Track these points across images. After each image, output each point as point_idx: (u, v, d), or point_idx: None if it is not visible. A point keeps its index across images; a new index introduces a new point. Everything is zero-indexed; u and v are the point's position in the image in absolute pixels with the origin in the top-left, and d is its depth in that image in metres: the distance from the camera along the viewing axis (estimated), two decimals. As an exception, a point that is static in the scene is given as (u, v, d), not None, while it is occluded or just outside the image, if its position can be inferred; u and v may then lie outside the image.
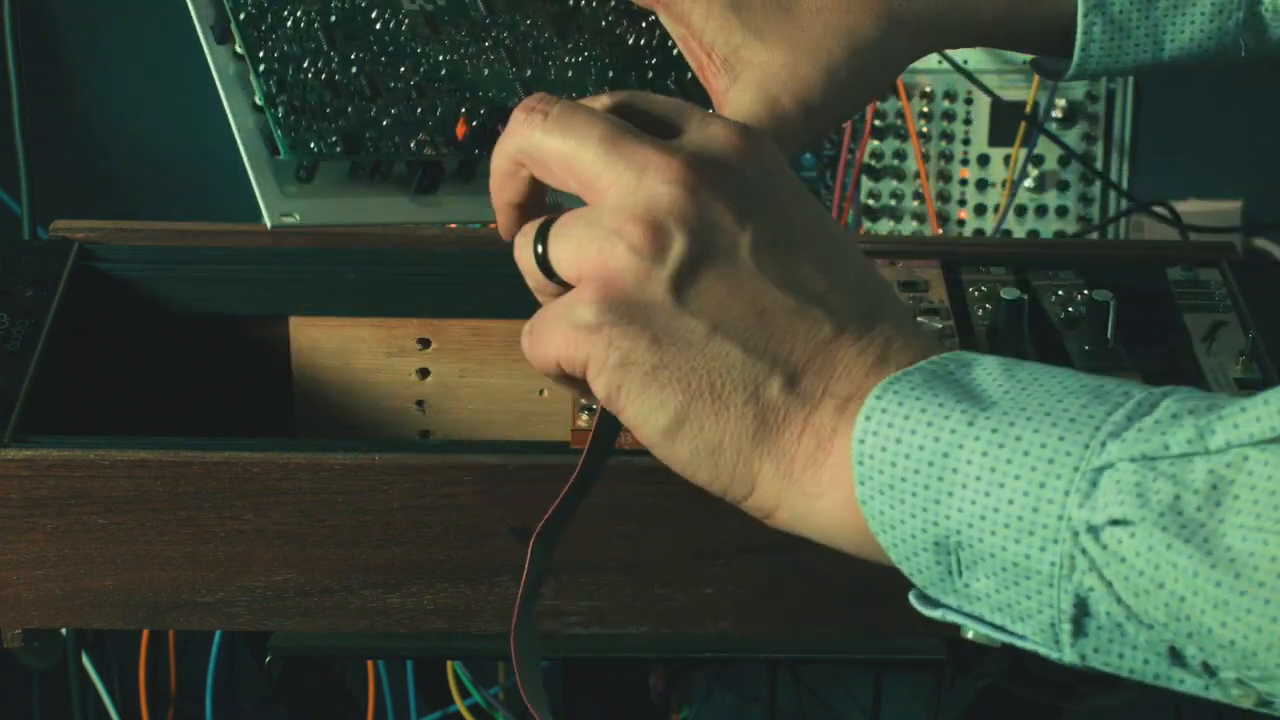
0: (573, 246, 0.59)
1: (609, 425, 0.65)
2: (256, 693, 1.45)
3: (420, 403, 0.97)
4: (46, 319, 0.85)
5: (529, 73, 0.76)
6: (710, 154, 0.59)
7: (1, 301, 0.85)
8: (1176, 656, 0.53)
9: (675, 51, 0.78)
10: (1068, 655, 0.55)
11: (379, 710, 1.25)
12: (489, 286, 0.92)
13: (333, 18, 0.74)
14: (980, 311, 0.87)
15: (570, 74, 0.76)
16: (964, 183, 1.35)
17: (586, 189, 0.60)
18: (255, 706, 1.48)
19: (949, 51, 1.33)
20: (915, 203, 1.35)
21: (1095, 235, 1.36)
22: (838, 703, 1.52)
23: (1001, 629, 0.56)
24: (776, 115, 0.71)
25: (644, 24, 0.79)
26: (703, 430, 0.58)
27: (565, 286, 0.60)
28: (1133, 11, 0.76)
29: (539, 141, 0.60)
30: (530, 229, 0.61)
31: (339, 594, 0.79)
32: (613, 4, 0.78)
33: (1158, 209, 1.35)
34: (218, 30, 0.74)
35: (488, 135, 0.74)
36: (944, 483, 0.55)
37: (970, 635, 0.57)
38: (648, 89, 0.77)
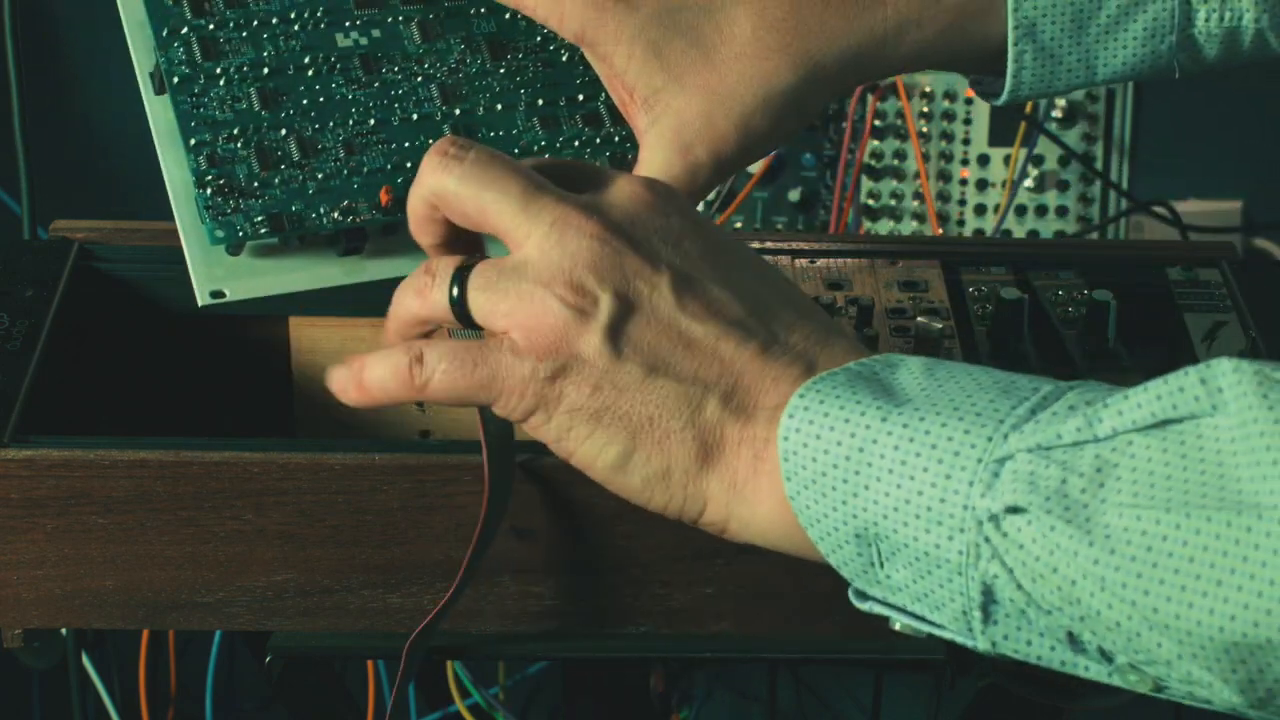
0: (501, 300, 0.63)
1: (500, 438, 0.71)
2: (256, 693, 1.45)
3: (420, 403, 0.97)
4: (46, 319, 0.85)
5: (458, 111, 0.78)
6: (620, 207, 0.63)
7: (1, 301, 0.85)
8: (1075, 642, 0.56)
9: None
10: (980, 643, 0.57)
11: (379, 710, 1.25)
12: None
13: (265, 70, 0.77)
14: (980, 311, 0.87)
15: (500, 107, 0.78)
16: (964, 183, 1.35)
17: (504, 237, 0.64)
18: (255, 706, 1.48)
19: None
20: (915, 203, 1.35)
21: (1095, 235, 1.36)
22: (838, 703, 1.52)
23: (922, 619, 0.59)
24: (689, 163, 0.74)
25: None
26: (650, 460, 0.62)
27: (472, 327, 0.64)
28: (1064, 39, 0.77)
29: (454, 189, 0.64)
30: (443, 270, 0.64)
31: (339, 594, 0.79)
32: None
33: (1158, 209, 1.35)
34: (155, 81, 0.76)
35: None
36: (860, 476, 0.57)
37: (898, 627, 0.60)
38: (580, 110, 0.79)
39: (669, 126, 0.74)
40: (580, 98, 0.79)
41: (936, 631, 0.59)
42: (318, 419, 0.97)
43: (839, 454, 0.58)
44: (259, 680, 0.99)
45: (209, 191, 0.75)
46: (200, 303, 0.75)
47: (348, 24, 0.78)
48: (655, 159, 0.74)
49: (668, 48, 0.74)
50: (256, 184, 0.75)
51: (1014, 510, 0.54)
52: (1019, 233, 1.35)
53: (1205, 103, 1.36)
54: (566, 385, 0.62)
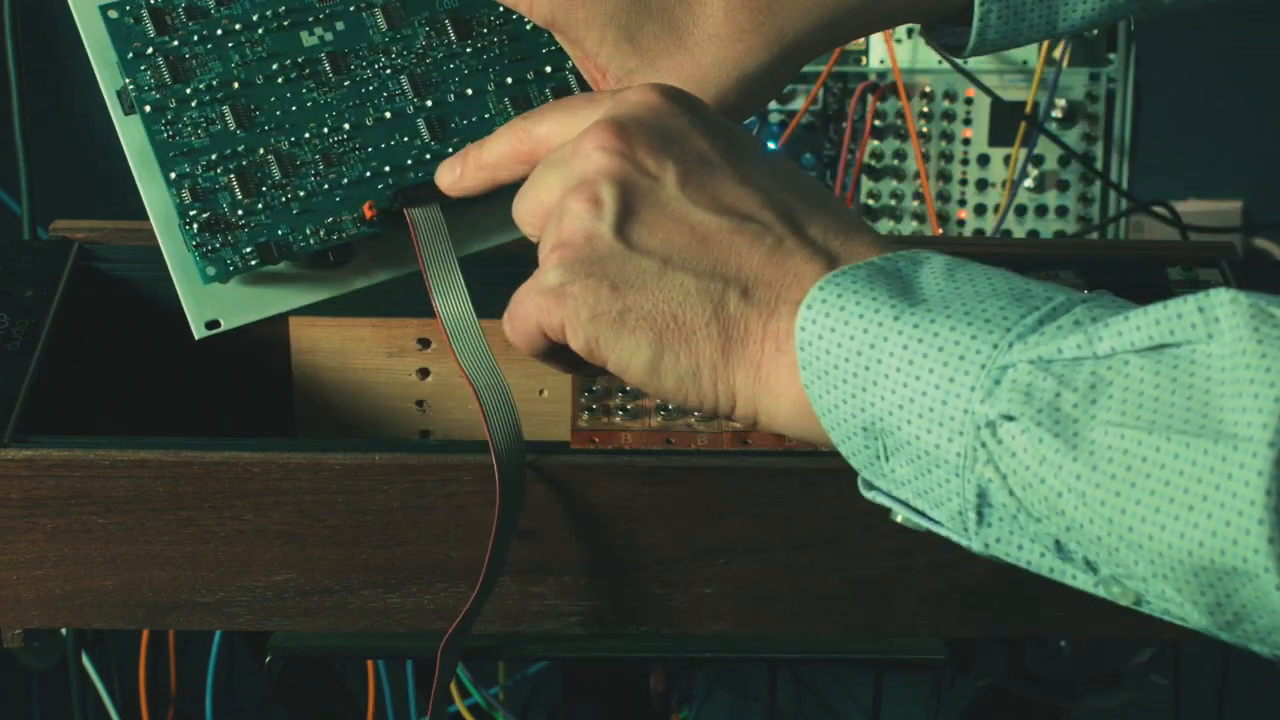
0: (531, 212, 0.67)
1: (508, 439, 0.73)
2: (256, 693, 1.45)
3: (420, 403, 0.97)
4: (46, 319, 0.85)
5: (430, 103, 0.78)
6: (627, 113, 0.65)
7: (1, 301, 0.85)
8: (1062, 550, 0.57)
9: None
10: (975, 543, 0.58)
11: (379, 710, 1.25)
12: (489, 287, 0.92)
13: (235, 85, 0.76)
14: (980, 311, 0.87)
15: (470, 91, 0.78)
16: (964, 183, 1.35)
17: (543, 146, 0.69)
18: (255, 706, 1.48)
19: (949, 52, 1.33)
20: (915, 203, 1.35)
21: (1095, 235, 1.36)
22: (838, 703, 1.52)
23: (922, 514, 0.60)
24: None
25: None
26: (679, 359, 0.63)
27: None
28: None
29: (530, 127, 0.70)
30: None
31: (339, 594, 0.79)
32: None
33: (1158, 209, 1.35)
34: (124, 101, 0.76)
35: (394, 215, 0.76)
36: (870, 372, 0.59)
37: (899, 519, 0.61)
38: (550, 83, 0.79)
39: None
40: (548, 69, 0.79)
41: (934, 528, 0.60)
42: (318, 419, 0.97)
43: (851, 349, 0.59)
44: (259, 680, 0.99)
45: (195, 228, 0.75)
46: (197, 335, 0.75)
47: (311, 19, 0.77)
48: None
49: (640, 32, 0.74)
50: (241, 212, 0.75)
51: (1008, 418, 0.56)
52: (1019, 233, 1.35)
53: (1205, 103, 1.36)
54: (588, 287, 0.63)
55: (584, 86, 0.79)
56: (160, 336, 0.93)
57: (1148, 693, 0.93)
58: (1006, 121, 1.34)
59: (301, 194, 0.76)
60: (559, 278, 0.64)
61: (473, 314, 0.75)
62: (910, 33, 1.34)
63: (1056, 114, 1.33)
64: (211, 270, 0.75)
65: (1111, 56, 1.33)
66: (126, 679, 1.28)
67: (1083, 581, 0.57)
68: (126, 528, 0.77)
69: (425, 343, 0.95)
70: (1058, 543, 0.57)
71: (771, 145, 1.35)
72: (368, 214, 0.76)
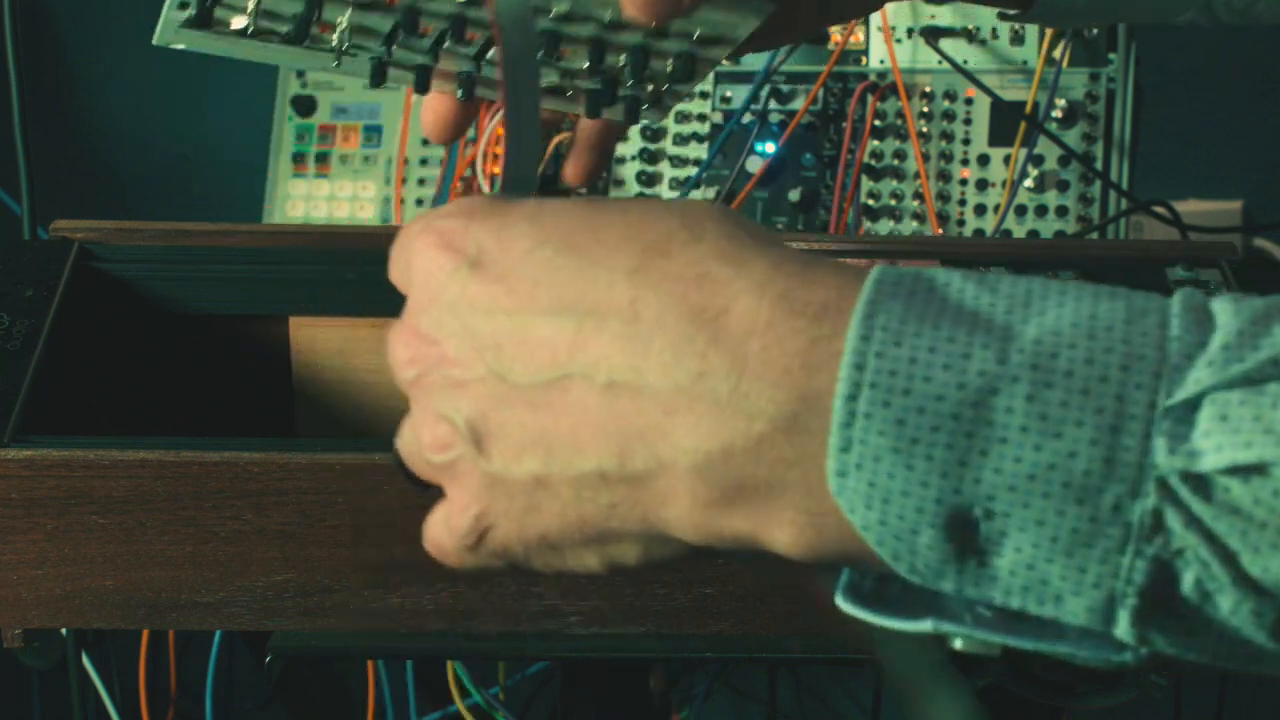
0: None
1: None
2: (256, 693, 1.45)
3: (420, 403, 0.97)
4: (46, 319, 0.85)
5: None
6: (408, 309, 0.56)
7: (1, 301, 0.85)
8: None
9: None
10: (1123, 633, 0.46)
11: (379, 710, 1.25)
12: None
13: None
14: (980, 311, 0.87)
15: None
16: (964, 183, 1.35)
17: None
18: (255, 706, 1.48)
19: (949, 51, 1.33)
20: (915, 203, 1.35)
21: (1095, 235, 1.36)
22: (838, 703, 1.52)
23: (1009, 622, 0.48)
24: None
25: None
26: (625, 549, 0.53)
27: None
28: None
29: None
30: None
31: (339, 594, 0.79)
32: None
33: (1158, 209, 1.35)
34: None
35: None
36: (974, 439, 0.45)
37: (959, 645, 0.50)
38: None
39: None
40: None
41: (1024, 643, 0.48)
42: (318, 419, 0.97)
43: (940, 412, 0.45)
44: (259, 680, 0.99)
45: None
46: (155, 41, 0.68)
47: None
48: None
49: None
50: None
51: (1237, 470, 0.44)
52: (1019, 233, 1.35)
53: (1205, 103, 1.36)
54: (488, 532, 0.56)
55: None
56: (160, 336, 0.93)
57: (1148, 693, 0.93)
58: (1006, 121, 1.34)
59: None
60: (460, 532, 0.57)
61: None
62: (910, 33, 1.34)
63: (1056, 114, 1.34)
64: None
65: (1111, 56, 1.33)
66: (126, 679, 1.28)
67: None
68: (126, 528, 0.77)
69: (425, 343, 0.95)
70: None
71: (772, 146, 1.35)
72: None
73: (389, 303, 0.96)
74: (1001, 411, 0.45)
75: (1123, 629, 0.46)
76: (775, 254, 0.50)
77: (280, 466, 0.76)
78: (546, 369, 0.51)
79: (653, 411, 0.49)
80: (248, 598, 0.79)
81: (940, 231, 1.35)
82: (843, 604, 0.51)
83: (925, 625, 0.49)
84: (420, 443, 0.56)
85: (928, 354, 0.46)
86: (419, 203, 1.39)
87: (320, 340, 0.95)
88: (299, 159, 1.41)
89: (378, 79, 0.72)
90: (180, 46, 0.69)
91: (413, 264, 0.54)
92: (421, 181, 1.40)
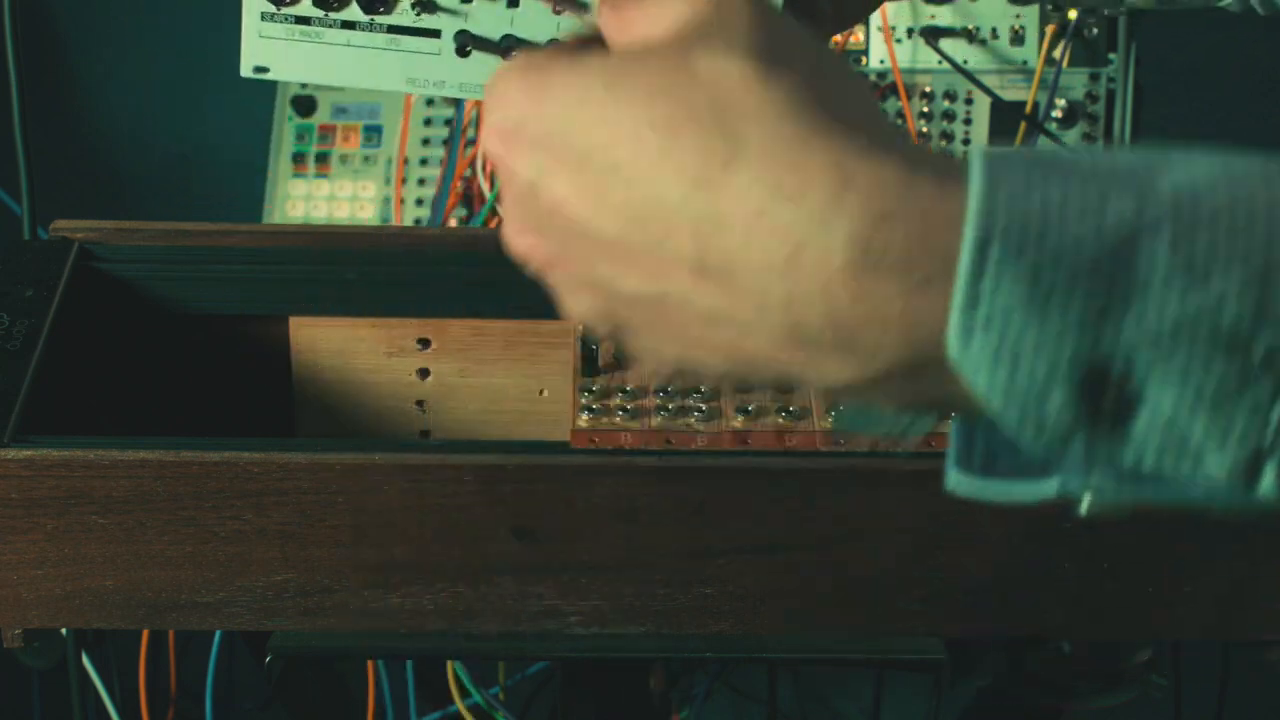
0: None
1: None
2: (256, 693, 1.45)
3: (420, 403, 0.97)
4: (46, 319, 0.85)
5: None
6: (494, 124, 0.51)
7: (1, 301, 0.85)
8: None
9: None
10: (1267, 489, 0.43)
11: (379, 710, 1.25)
12: (489, 286, 0.92)
13: None
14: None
15: None
16: (964, 183, 1.36)
17: None
18: (255, 706, 1.48)
19: (949, 51, 1.33)
20: (915, 203, 1.35)
21: (1095, 235, 1.36)
22: (838, 703, 1.52)
23: (1146, 477, 0.44)
24: None
25: None
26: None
27: None
28: None
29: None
30: None
31: (339, 594, 0.79)
32: None
33: (1158, 209, 1.35)
34: None
35: None
36: (1114, 289, 0.42)
37: (1083, 510, 0.45)
38: None
39: None
40: None
41: (1156, 497, 0.45)
42: (318, 419, 0.97)
43: (1080, 258, 0.42)
44: (259, 680, 0.99)
45: None
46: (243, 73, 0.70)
47: None
48: None
49: None
50: None
51: None
52: (1019, 233, 1.35)
53: (1205, 103, 1.36)
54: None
55: None
56: (160, 336, 0.93)
57: (1148, 692, 0.93)
58: (1006, 121, 1.34)
59: None
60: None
61: None
62: (910, 32, 1.34)
63: (1056, 114, 1.34)
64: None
65: (1111, 56, 1.33)
66: (126, 679, 1.28)
67: None
68: (126, 528, 0.77)
69: (425, 343, 0.95)
70: None
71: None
72: None
73: (389, 303, 0.96)
74: (1145, 258, 0.42)
75: (1268, 485, 0.43)
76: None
77: (280, 466, 0.76)
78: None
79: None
80: (248, 598, 0.79)
81: (940, 231, 1.35)
82: (955, 479, 0.47)
83: (1050, 486, 0.46)
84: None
85: (1060, 203, 0.43)
86: (419, 203, 1.39)
87: (320, 340, 0.95)
88: (299, 159, 1.41)
89: None
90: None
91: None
92: (421, 181, 1.40)
